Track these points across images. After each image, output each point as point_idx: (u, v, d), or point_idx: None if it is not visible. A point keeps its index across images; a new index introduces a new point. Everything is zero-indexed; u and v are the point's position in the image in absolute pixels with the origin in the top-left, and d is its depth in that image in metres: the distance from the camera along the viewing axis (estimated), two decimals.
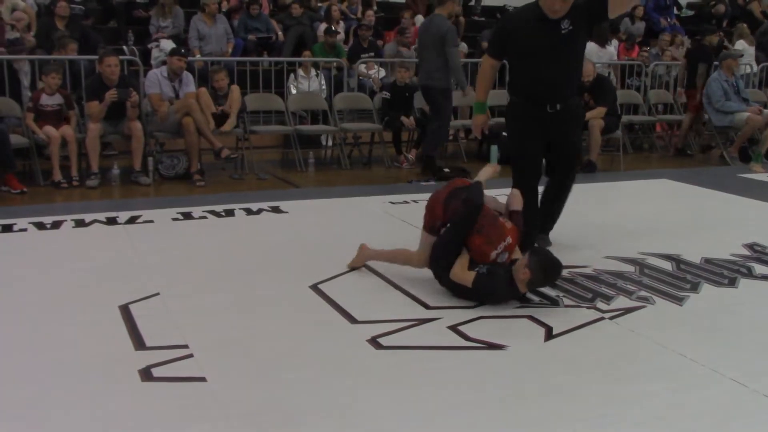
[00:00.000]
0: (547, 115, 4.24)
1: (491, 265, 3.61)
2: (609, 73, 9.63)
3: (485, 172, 4.09)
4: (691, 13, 14.29)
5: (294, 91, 8.54)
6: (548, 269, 3.53)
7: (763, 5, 13.83)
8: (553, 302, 3.68)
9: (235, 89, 7.44)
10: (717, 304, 3.76)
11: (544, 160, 4.51)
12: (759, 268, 4.31)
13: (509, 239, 3.66)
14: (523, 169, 4.45)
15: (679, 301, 3.76)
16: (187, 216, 5.38)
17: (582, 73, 4.41)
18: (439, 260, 3.76)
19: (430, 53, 7.27)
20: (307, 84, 8.64)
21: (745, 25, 11.59)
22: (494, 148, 8.31)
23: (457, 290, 3.68)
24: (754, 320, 3.55)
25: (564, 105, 4.25)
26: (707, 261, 4.37)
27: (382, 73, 9.42)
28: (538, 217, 4.45)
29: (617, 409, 2.67)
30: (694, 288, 3.94)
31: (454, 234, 3.71)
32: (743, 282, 4.08)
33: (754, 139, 8.86)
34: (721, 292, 3.92)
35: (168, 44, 8.54)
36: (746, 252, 4.63)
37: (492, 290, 3.59)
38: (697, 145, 9.60)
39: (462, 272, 3.61)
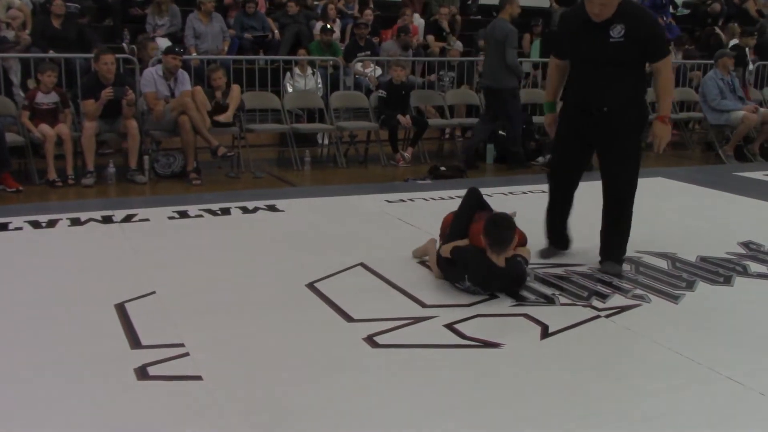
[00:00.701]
0: (590, 118, 4.07)
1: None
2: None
3: None
4: (686, 11, 14.32)
5: (290, 90, 8.53)
6: (498, 222, 3.64)
7: (758, 4, 13.86)
8: (549, 300, 3.69)
9: (236, 88, 7.46)
10: (713, 302, 3.76)
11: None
12: (754, 267, 4.31)
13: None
14: (554, 169, 4.42)
15: (674, 299, 3.76)
16: (183, 215, 5.37)
17: (639, 86, 4.07)
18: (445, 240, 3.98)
19: (495, 56, 7.66)
20: (303, 82, 8.64)
21: (736, 25, 11.63)
22: (490, 147, 8.41)
23: (447, 272, 3.81)
24: (750, 318, 3.56)
25: (611, 109, 4.01)
26: (703, 259, 4.38)
27: (379, 71, 9.42)
28: (559, 225, 4.41)
29: (614, 407, 2.67)
30: (690, 286, 3.95)
31: (456, 217, 4.00)
32: (739, 280, 4.09)
33: (750, 137, 8.89)
34: (717, 291, 3.93)
35: (164, 42, 8.52)
36: (742, 250, 4.64)
37: (465, 261, 3.68)
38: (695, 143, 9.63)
39: (446, 246, 3.79)
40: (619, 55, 3.94)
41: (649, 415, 2.62)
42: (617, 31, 3.91)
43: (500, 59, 7.57)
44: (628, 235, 4.19)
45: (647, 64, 4.05)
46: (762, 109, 9.03)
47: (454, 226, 3.99)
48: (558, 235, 4.44)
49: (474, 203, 4.09)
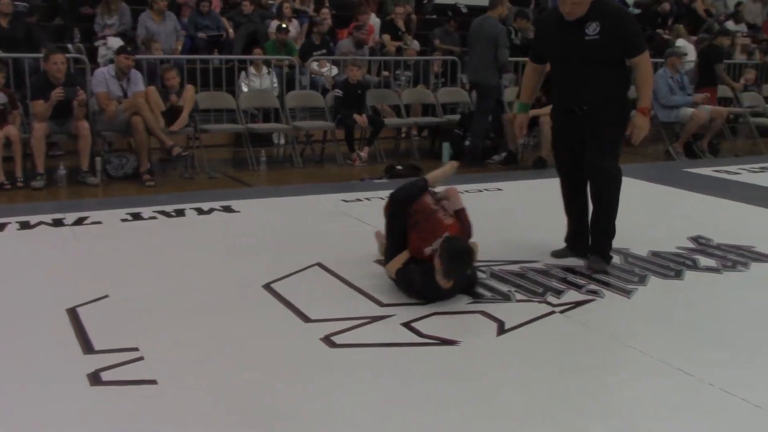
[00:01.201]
0: (576, 116, 4.11)
1: (423, 262, 3.64)
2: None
3: (441, 171, 4.19)
4: (637, 11, 14.56)
5: (245, 89, 8.47)
6: (456, 256, 3.50)
7: (706, 3, 14.17)
8: (505, 297, 3.72)
9: (190, 88, 7.37)
10: (664, 296, 3.84)
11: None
12: (704, 261, 4.41)
13: (447, 235, 3.65)
14: (557, 170, 4.40)
15: (627, 293, 3.83)
16: (137, 217, 5.29)
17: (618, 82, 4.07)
18: (386, 255, 3.91)
19: (482, 53, 7.86)
20: (258, 82, 8.58)
21: (682, 26, 11.89)
22: (446, 146, 8.46)
23: (397, 284, 3.77)
24: (700, 311, 3.64)
25: (593, 107, 4.05)
26: (654, 254, 4.46)
27: (335, 71, 9.40)
28: (578, 225, 4.34)
29: (569, 401, 2.71)
30: (642, 281, 4.02)
31: (388, 232, 3.96)
32: (689, 274, 4.17)
33: (699, 135, 9.08)
34: (668, 285, 4.01)
35: (116, 42, 8.38)
36: (691, 245, 4.74)
37: (409, 283, 3.65)
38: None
39: (391, 265, 3.75)
40: (595, 53, 3.97)
41: (603, 408, 2.66)
42: (592, 29, 3.95)
43: (488, 56, 7.79)
44: (612, 233, 4.19)
45: (627, 60, 4.08)
46: (709, 107, 9.23)
47: (390, 241, 3.89)
48: (576, 239, 4.35)
49: (400, 210, 3.91)
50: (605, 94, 4.05)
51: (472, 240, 3.88)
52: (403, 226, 3.83)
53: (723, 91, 10.56)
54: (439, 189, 4.09)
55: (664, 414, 2.64)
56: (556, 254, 4.32)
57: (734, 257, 4.48)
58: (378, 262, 4.23)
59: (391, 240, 3.91)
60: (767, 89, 10.72)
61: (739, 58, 11.45)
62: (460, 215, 3.89)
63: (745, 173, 7.61)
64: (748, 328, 3.42)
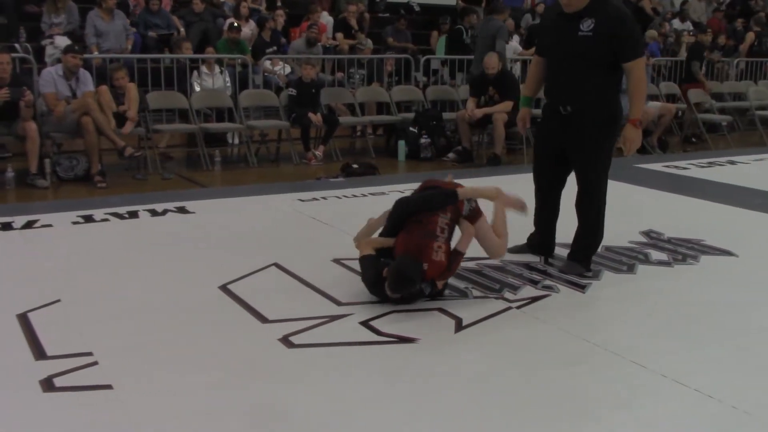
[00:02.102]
0: (561, 117, 4.00)
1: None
2: (511, 68, 9.86)
3: (481, 190, 3.96)
4: None
5: (198, 89, 8.37)
6: (399, 278, 3.42)
7: (653, 2, 14.43)
8: (462, 294, 3.75)
9: (132, 87, 7.20)
10: (617, 290, 3.91)
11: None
12: (655, 255, 4.50)
13: (425, 266, 3.47)
14: (534, 171, 4.30)
15: (582, 288, 3.89)
16: (88, 219, 5.20)
17: (590, 78, 3.90)
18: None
19: (482, 47, 8.62)
20: (211, 81, 8.49)
21: None
22: (401, 144, 8.49)
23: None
24: (652, 304, 3.71)
25: (577, 109, 3.94)
26: (607, 249, 4.54)
27: (288, 69, 9.35)
28: (543, 230, 4.30)
29: (526, 394, 2.74)
30: (596, 275, 4.09)
31: (388, 220, 3.80)
32: (641, 268, 4.26)
33: (648, 130, 9.24)
34: (621, 279, 4.08)
35: (63, 41, 8.20)
36: (643, 239, 4.83)
37: (363, 272, 3.67)
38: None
39: (365, 243, 3.76)
40: (587, 50, 3.86)
41: (558, 400, 2.70)
42: (587, 25, 3.85)
43: (491, 50, 8.33)
44: (596, 237, 4.14)
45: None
46: (658, 103, 9.42)
47: (387, 226, 3.79)
48: (540, 241, 4.32)
49: (400, 215, 3.75)
50: (591, 97, 3.92)
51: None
52: (402, 223, 3.67)
53: (669, 88, 10.80)
54: (466, 210, 3.75)
55: (618, 404, 2.69)
56: (513, 250, 4.34)
57: (684, 251, 4.58)
58: (335, 260, 4.23)
59: (387, 226, 3.78)
60: (713, 85, 10.96)
61: (683, 55, 11.69)
62: (455, 257, 3.62)
63: (693, 168, 7.79)
64: (698, 320, 3.50)
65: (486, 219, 3.78)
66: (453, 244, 3.66)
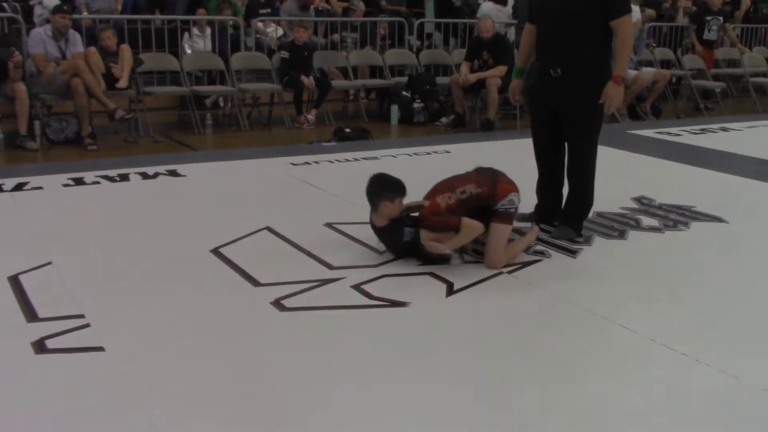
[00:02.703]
0: (552, 80, 3.99)
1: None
2: (506, 33, 9.78)
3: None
4: None
5: (189, 51, 8.28)
6: (370, 181, 3.69)
7: None
8: (454, 258, 3.76)
9: (125, 48, 7.13)
10: (608, 255, 3.92)
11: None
12: (646, 220, 4.52)
13: (426, 203, 3.68)
14: (532, 137, 4.28)
15: (572, 254, 3.90)
16: (79, 181, 5.17)
17: (584, 40, 3.88)
18: None
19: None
20: (202, 43, 8.39)
21: None
22: (394, 108, 8.45)
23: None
24: (643, 269, 3.73)
25: (566, 71, 3.94)
26: (599, 215, 4.55)
27: (280, 31, 9.25)
28: (550, 200, 4.26)
29: (517, 359, 2.76)
30: (587, 241, 4.10)
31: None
32: (632, 234, 4.27)
33: (642, 96, 9.23)
34: (612, 245, 4.09)
35: (52, 1, 8.07)
36: (634, 205, 4.85)
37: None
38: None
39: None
40: (574, 7, 3.84)
41: (549, 363, 2.72)
42: None
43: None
44: (586, 203, 4.14)
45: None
46: (653, 69, 9.38)
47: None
48: (547, 211, 4.27)
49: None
50: (580, 60, 3.91)
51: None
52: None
53: (664, 53, 10.74)
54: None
55: (607, 368, 2.72)
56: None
57: (676, 217, 4.60)
58: (327, 225, 4.22)
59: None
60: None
61: (682, 21, 11.61)
62: (447, 218, 3.61)
63: (686, 135, 7.79)
64: (688, 286, 3.53)
65: (509, 231, 3.70)
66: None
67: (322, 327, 2.99)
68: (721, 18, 10.76)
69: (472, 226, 3.58)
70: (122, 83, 6.95)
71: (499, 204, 3.62)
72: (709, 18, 10.61)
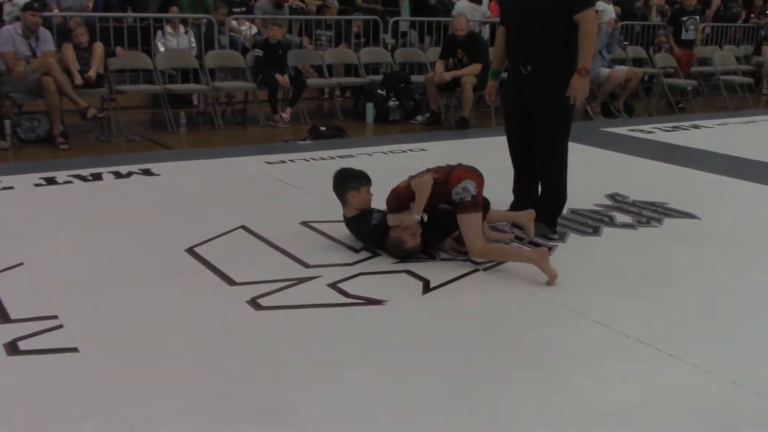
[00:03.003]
0: (522, 77, 4.05)
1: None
2: (480, 31, 9.82)
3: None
4: None
5: (162, 49, 8.20)
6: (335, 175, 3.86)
7: None
8: (430, 256, 3.76)
9: (98, 46, 7.07)
10: (583, 252, 3.96)
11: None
12: (620, 217, 4.56)
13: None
14: (507, 135, 4.33)
15: (548, 250, 3.91)
16: (51, 181, 5.11)
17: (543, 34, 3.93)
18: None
19: None
20: (175, 41, 8.32)
21: None
22: (370, 106, 8.44)
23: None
24: (617, 266, 3.77)
25: (536, 68, 3.99)
26: (573, 212, 4.58)
27: (254, 29, 9.21)
28: (525, 198, 4.26)
29: (493, 355, 2.77)
30: (562, 238, 4.13)
31: None
32: (606, 230, 4.31)
33: (615, 94, 9.32)
34: (586, 241, 4.13)
35: None
36: (608, 202, 4.89)
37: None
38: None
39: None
40: (539, 5, 3.89)
41: (524, 359, 2.74)
42: None
43: None
44: (560, 199, 4.18)
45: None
46: (625, 68, 9.46)
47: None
48: (523, 208, 4.19)
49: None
50: (548, 56, 3.95)
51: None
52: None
53: (637, 52, 10.84)
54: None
55: (583, 364, 2.74)
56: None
57: (649, 213, 4.65)
58: (303, 223, 4.21)
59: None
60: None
61: (655, 19, 11.73)
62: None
63: (658, 132, 7.87)
64: (661, 282, 3.56)
65: (477, 219, 3.66)
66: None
67: (298, 325, 2.99)
68: (697, 18, 10.89)
69: (420, 183, 3.68)
70: (91, 73, 6.87)
71: (453, 193, 3.65)
72: (685, 18, 10.71)
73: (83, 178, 5.20)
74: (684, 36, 10.73)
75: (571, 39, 3.95)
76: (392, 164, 5.81)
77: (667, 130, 8.00)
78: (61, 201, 4.69)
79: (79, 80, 6.69)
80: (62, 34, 7.21)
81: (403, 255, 3.68)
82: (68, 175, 5.25)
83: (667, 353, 2.80)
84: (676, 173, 5.92)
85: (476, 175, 3.73)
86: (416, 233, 3.67)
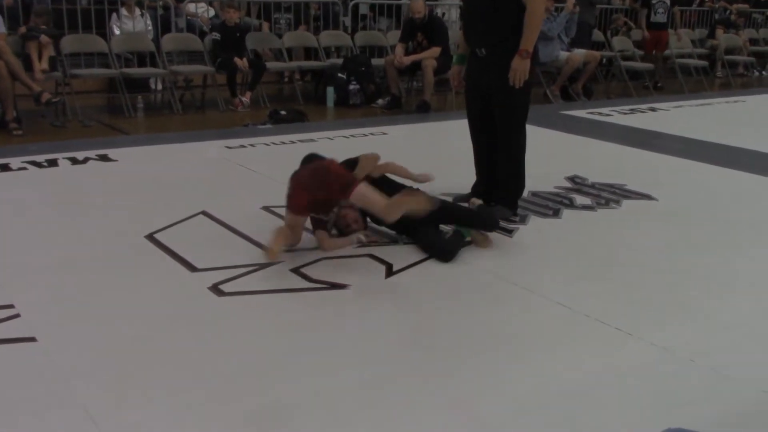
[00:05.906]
0: (479, 60, 4.09)
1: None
2: (443, 14, 9.81)
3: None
4: None
5: (117, 32, 8.05)
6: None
7: None
8: (393, 240, 3.77)
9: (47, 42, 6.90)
10: (543, 234, 3.99)
11: None
12: (579, 199, 4.61)
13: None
14: (467, 117, 4.35)
15: (509, 233, 3.95)
16: (5, 168, 4.99)
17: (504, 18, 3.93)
18: None
19: None
20: (131, 24, 8.17)
21: None
22: (330, 90, 8.39)
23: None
24: (577, 247, 3.82)
25: (490, 50, 4.02)
26: (534, 194, 4.62)
27: (212, 12, 9.07)
28: (484, 181, 4.30)
29: (455, 338, 2.79)
30: (523, 220, 4.16)
31: None
32: (566, 212, 4.36)
33: (573, 77, 9.40)
34: (547, 223, 4.17)
35: None
36: (568, 184, 4.94)
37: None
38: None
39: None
40: None
41: (488, 341, 2.76)
42: None
43: None
44: (518, 181, 4.20)
45: None
46: (584, 51, 9.53)
47: None
48: (486, 190, 4.29)
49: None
50: (502, 38, 3.97)
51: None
52: None
53: (595, 35, 10.92)
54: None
55: (544, 344, 2.77)
56: (457, 199, 4.31)
57: (608, 195, 4.71)
58: (264, 208, 4.18)
59: None
60: (636, 33, 11.15)
61: (619, 3, 11.84)
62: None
63: (616, 115, 7.97)
64: (620, 262, 3.62)
65: (369, 190, 3.47)
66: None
67: (261, 311, 2.97)
68: (667, 1, 11.05)
69: (359, 196, 3.45)
70: (43, 64, 6.71)
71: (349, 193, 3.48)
72: (654, 2, 10.90)
73: (38, 165, 5.09)
74: (653, 18, 10.90)
75: (523, 21, 3.95)
76: (354, 148, 5.78)
77: (625, 113, 8.10)
78: (16, 188, 4.59)
79: (40, 76, 6.54)
80: (13, 17, 7.02)
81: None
82: (22, 162, 5.13)
83: (626, 332, 2.84)
84: (634, 155, 6.00)
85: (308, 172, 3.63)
86: (358, 220, 3.69)
